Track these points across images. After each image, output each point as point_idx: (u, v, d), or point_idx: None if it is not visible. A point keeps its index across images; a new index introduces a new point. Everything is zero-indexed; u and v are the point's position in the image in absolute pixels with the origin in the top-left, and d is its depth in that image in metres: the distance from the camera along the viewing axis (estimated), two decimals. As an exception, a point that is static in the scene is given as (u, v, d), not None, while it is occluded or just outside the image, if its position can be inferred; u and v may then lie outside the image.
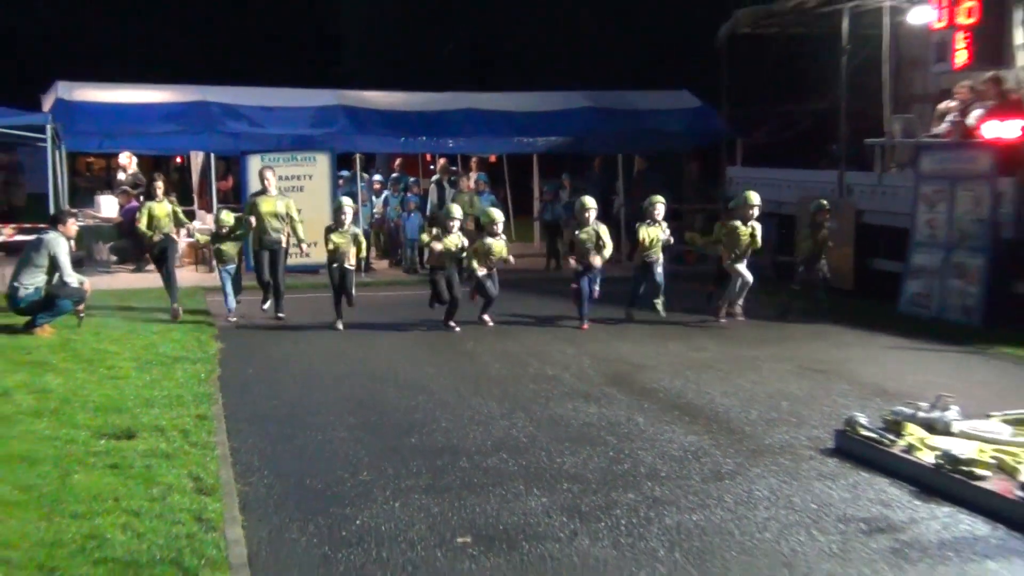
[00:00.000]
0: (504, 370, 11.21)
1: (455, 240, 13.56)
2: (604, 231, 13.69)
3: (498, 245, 13.75)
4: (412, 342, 13.16)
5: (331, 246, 13.65)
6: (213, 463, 7.73)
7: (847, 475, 7.43)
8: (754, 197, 13.89)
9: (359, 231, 14.61)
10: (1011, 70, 13.33)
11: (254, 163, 18.90)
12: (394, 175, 22.14)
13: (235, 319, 14.14)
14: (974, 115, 14.12)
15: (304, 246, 15.32)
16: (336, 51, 36.08)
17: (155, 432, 8.52)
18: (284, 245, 14.54)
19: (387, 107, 21.54)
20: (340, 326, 13.65)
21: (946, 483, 7.04)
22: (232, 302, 14.29)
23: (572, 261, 13.80)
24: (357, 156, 21.02)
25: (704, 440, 8.43)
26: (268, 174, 14.79)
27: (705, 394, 10.03)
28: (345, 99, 21.31)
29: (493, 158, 24.99)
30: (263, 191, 14.57)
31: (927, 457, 7.36)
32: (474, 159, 23.64)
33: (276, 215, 14.30)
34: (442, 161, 22.64)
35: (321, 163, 19.55)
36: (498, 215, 14.10)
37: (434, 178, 21.74)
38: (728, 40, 19.43)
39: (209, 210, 20.27)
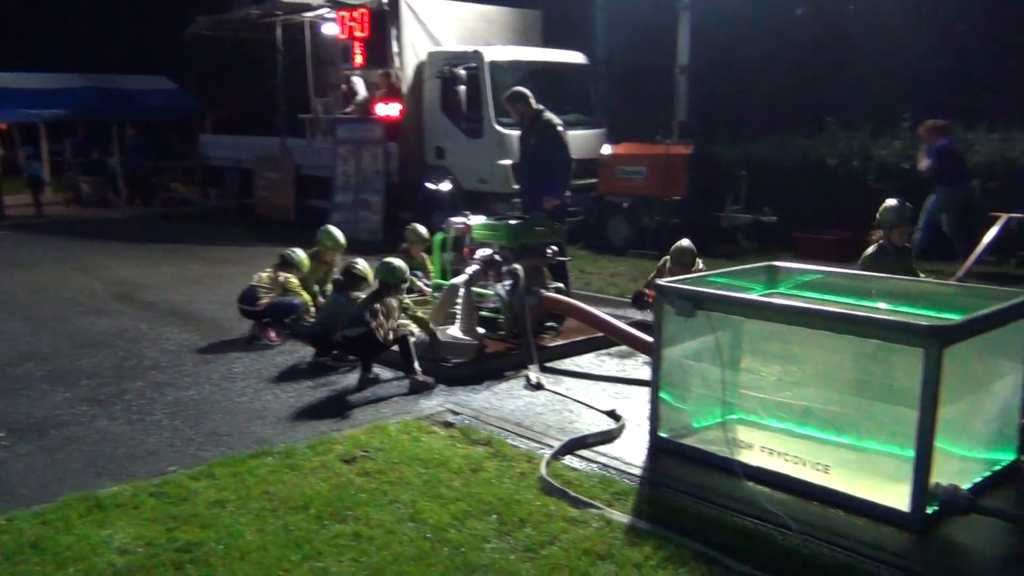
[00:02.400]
0: (27, 296, 9.88)
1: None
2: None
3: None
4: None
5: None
6: None
7: (295, 351, 7.48)
8: None
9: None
10: (393, 68, 13.85)
11: None
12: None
13: None
14: (361, 94, 14.55)
15: None
16: None
17: None
18: None
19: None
20: None
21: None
22: None
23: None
24: None
25: (195, 336, 8.06)
26: None
27: (194, 302, 9.57)
28: None
29: (5, 126, 21.65)
30: None
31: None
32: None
33: None
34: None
35: None
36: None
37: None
38: (194, 39, 18.26)
39: None
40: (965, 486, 4.18)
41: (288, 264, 7.99)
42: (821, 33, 16.66)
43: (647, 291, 7.70)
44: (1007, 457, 4.76)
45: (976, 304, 4.65)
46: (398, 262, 6.84)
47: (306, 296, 7.94)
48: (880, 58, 15.66)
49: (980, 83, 14.41)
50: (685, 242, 7.87)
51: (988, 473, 4.58)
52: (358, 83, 14.80)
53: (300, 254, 8.11)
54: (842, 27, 16.47)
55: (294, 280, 7.90)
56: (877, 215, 6.71)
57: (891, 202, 6.72)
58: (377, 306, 6.47)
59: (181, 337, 8.01)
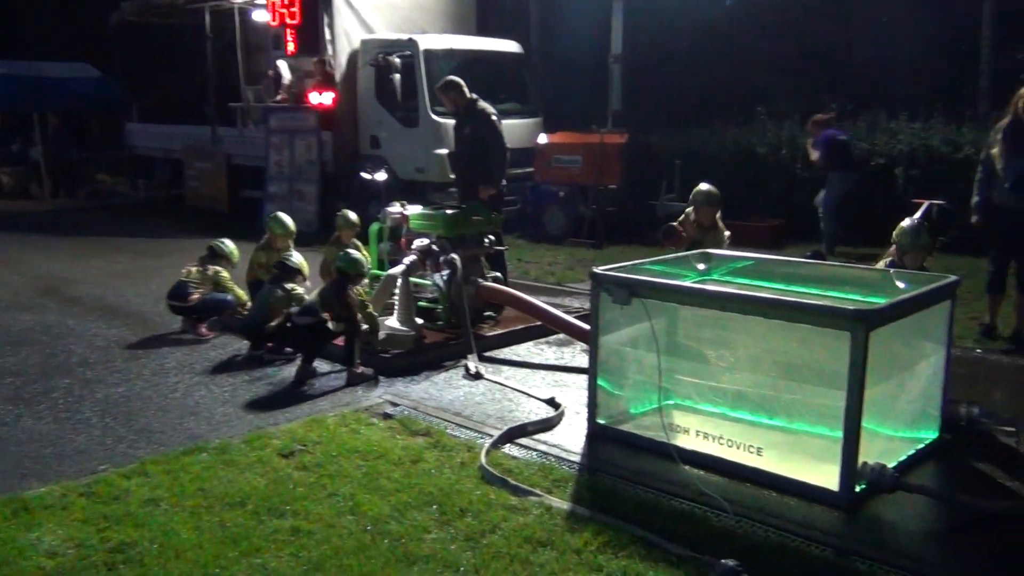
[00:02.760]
0: (-56, 293, 9.50)
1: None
2: None
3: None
4: None
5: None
6: None
7: (229, 345, 7.33)
8: None
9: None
10: (326, 56, 13.63)
11: None
12: None
13: None
14: (286, 78, 14.48)
15: None
16: None
17: None
18: None
19: None
20: None
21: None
22: None
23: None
24: None
25: (124, 331, 7.85)
26: None
27: (123, 297, 9.32)
28: None
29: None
30: None
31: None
32: None
33: None
34: None
35: None
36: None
37: None
38: (119, 25, 17.71)
39: None
40: (891, 464, 4.32)
41: (217, 256, 7.82)
42: (749, 24, 16.94)
43: (678, 226, 7.35)
44: (930, 435, 4.93)
45: (900, 288, 4.79)
46: (357, 254, 6.77)
47: (239, 292, 7.79)
48: (806, 48, 15.99)
49: (902, 73, 14.82)
50: (707, 185, 7.42)
51: (912, 451, 4.74)
52: (282, 66, 14.59)
53: (229, 245, 7.94)
54: (769, 18, 16.76)
55: (224, 274, 7.74)
56: (894, 234, 6.18)
57: (907, 224, 6.16)
58: (348, 295, 6.40)
59: (110, 333, 7.80)
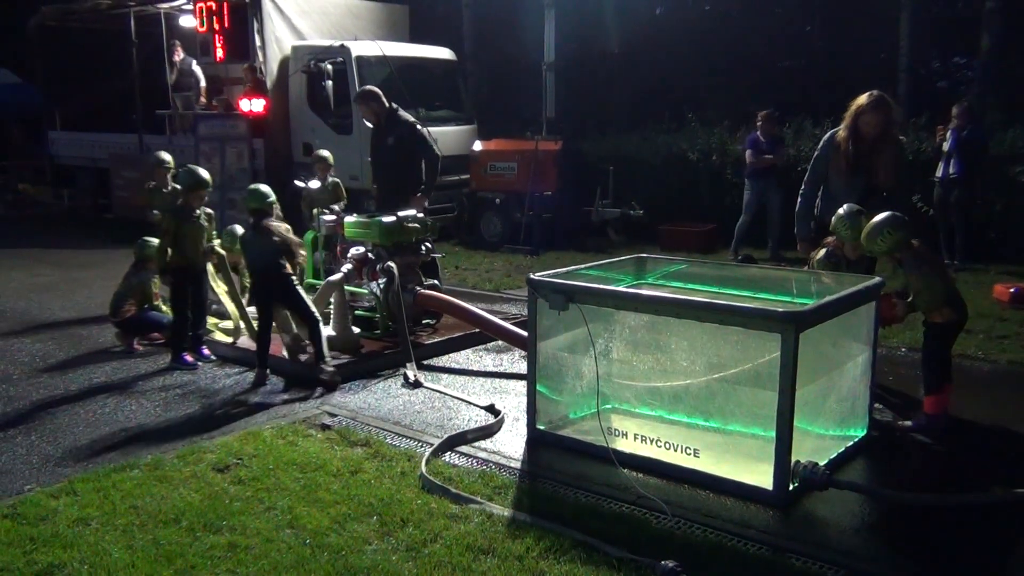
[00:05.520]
0: None
1: None
2: None
3: None
4: None
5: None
6: None
7: (160, 359, 7.13)
8: None
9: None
10: (257, 63, 13.42)
11: None
12: None
13: None
14: (202, 81, 14.43)
15: None
16: None
17: None
18: None
19: None
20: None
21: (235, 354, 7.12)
22: None
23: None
24: None
25: (50, 346, 7.59)
26: None
27: (48, 310, 9.00)
28: None
29: None
30: None
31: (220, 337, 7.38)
32: None
33: None
34: None
35: None
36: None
37: None
38: (39, 30, 17.13)
39: None
40: (822, 462, 4.42)
41: (144, 260, 7.53)
42: (680, 32, 17.25)
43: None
44: (859, 433, 5.07)
45: (827, 289, 4.92)
46: (264, 187, 6.69)
47: (166, 308, 7.58)
48: (734, 56, 16.35)
49: (825, 80, 15.26)
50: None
51: (843, 449, 4.87)
52: (197, 70, 14.42)
53: (154, 243, 7.53)
54: (698, 26, 17.10)
55: (154, 283, 7.53)
56: (832, 224, 5.67)
57: (843, 211, 5.56)
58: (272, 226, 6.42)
59: (34, 348, 7.53)
